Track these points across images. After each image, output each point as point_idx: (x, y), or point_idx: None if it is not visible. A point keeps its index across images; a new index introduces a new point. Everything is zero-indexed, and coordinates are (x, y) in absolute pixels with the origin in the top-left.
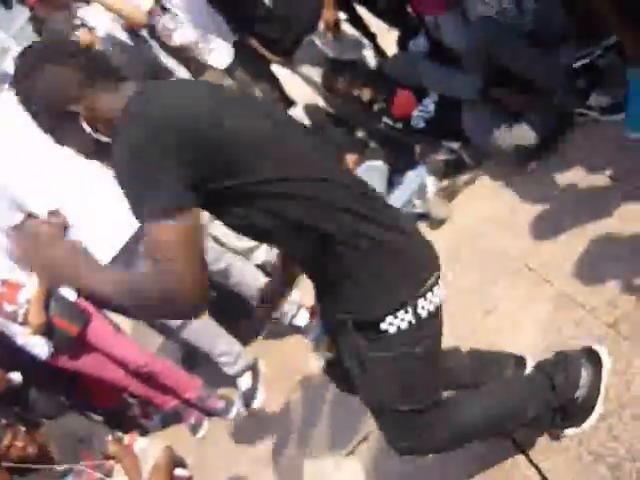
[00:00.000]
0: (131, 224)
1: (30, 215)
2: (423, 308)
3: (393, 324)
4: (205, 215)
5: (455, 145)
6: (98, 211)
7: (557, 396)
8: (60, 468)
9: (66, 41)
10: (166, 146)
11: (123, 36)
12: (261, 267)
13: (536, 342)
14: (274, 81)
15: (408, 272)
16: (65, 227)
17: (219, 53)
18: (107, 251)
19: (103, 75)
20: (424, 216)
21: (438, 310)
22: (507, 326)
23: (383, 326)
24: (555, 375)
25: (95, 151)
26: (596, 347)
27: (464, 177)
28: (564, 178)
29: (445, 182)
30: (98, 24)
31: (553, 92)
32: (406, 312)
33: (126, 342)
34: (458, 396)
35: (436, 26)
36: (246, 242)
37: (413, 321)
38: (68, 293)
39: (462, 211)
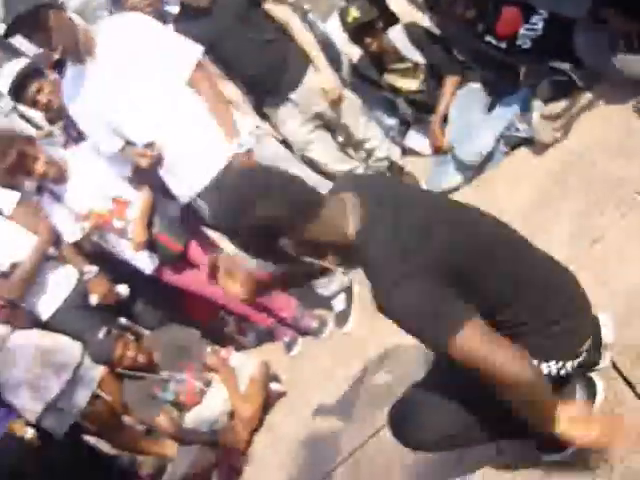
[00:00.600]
0: (220, 160)
1: (128, 143)
2: None
3: None
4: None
5: (565, 66)
6: (191, 146)
7: None
8: (164, 376)
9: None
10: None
11: None
12: None
13: None
14: None
15: None
16: (159, 159)
17: None
18: (199, 182)
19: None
20: (528, 140)
21: None
22: (614, 257)
23: None
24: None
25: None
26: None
27: (574, 100)
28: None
29: (552, 105)
30: None
31: None
32: None
33: None
34: None
35: None
36: (343, 165)
37: None
38: (172, 210)
39: (571, 136)
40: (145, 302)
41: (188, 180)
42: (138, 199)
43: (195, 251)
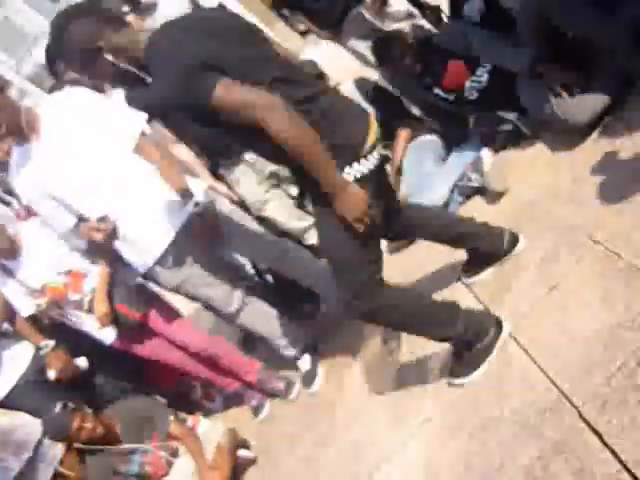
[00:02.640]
0: (176, 223)
1: (81, 219)
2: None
3: None
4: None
5: (511, 116)
6: (145, 214)
7: (466, 333)
8: (127, 447)
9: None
10: None
11: None
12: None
13: (604, 319)
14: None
15: None
16: (114, 231)
17: None
18: (156, 249)
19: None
20: (481, 190)
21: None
22: (573, 303)
23: None
24: (472, 317)
25: (121, 79)
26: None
27: (523, 149)
28: (629, 145)
29: (502, 154)
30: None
31: (616, 53)
32: None
33: (187, 326)
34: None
35: None
36: (300, 223)
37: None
38: (129, 279)
39: (521, 184)
40: (106, 373)
41: (145, 248)
42: (94, 270)
43: (155, 319)
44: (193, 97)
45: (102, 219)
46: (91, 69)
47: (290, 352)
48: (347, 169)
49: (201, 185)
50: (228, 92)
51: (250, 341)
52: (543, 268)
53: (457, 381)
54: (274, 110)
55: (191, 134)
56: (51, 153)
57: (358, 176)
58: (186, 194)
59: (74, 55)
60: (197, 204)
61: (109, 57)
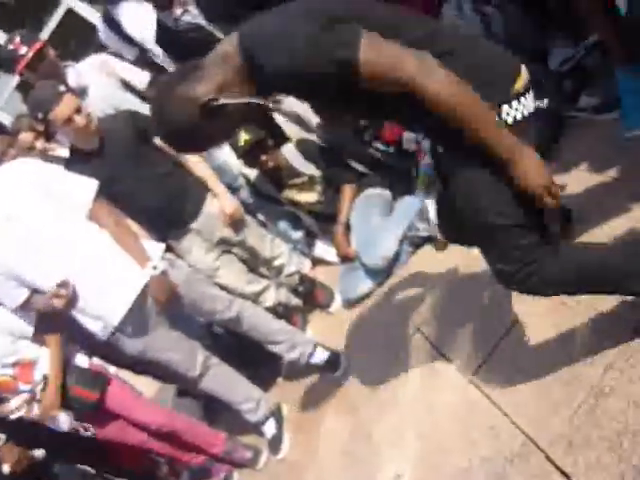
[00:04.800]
0: (135, 287)
1: (35, 291)
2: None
3: None
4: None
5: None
6: (103, 280)
7: None
8: None
9: None
10: None
11: (120, 97)
12: (270, 310)
13: (560, 356)
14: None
15: None
16: (75, 297)
17: None
18: (116, 314)
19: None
20: (431, 239)
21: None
22: (529, 342)
23: None
24: None
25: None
26: None
27: None
28: (564, 182)
29: None
30: (91, 83)
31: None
32: None
33: (145, 404)
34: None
35: None
36: (254, 286)
37: None
38: (81, 361)
39: None
40: (67, 459)
41: (105, 314)
42: (44, 355)
43: (112, 399)
44: (325, 63)
45: (62, 284)
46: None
47: (254, 417)
48: (506, 107)
49: (157, 249)
50: (375, 50)
51: (211, 412)
52: (496, 310)
53: None
54: (433, 73)
55: (137, 209)
56: (1, 228)
57: (519, 117)
58: (144, 257)
59: None
60: (155, 267)
61: None
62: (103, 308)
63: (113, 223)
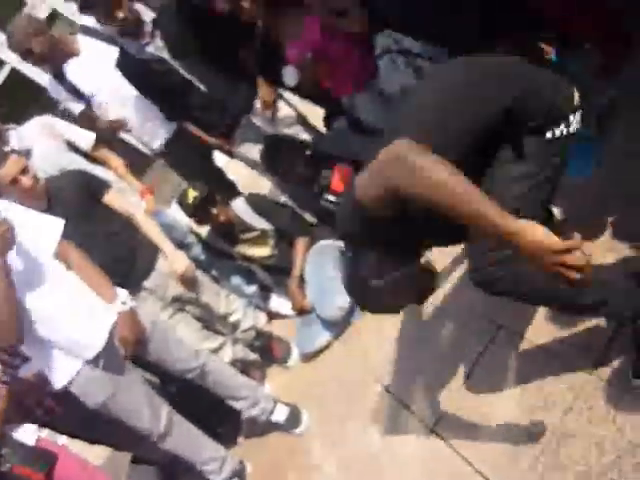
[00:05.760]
0: (107, 321)
1: None
2: None
3: None
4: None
5: None
6: (71, 318)
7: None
8: None
9: None
10: None
11: (65, 158)
12: (231, 364)
13: (518, 402)
14: (216, 171)
15: None
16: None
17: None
18: (89, 352)
19: None
20: None
21: None
22: (487, 389)
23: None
24: None
25: None
26: None
27: None
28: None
29: None
30: (35, 145)
31: None
32: None
33: (97, 475)
34: None
35: (352, 105)
36: (210, 343)
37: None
38: (25, 437)
39: None
40: None
41: (75, 353)
42: None
43: (61, 475)
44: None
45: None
46: None
47: (218, 478)
48: (555, 130)
49: (123, 291)
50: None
51: (168, 475)
52: (457, 355)
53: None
54: (397, 162)
55: None
56: None
57: (565, 133)
58: (112, 293)
59: None
60: (124, 302)
61: None
62: (72, 346)
63: (81, 260)
